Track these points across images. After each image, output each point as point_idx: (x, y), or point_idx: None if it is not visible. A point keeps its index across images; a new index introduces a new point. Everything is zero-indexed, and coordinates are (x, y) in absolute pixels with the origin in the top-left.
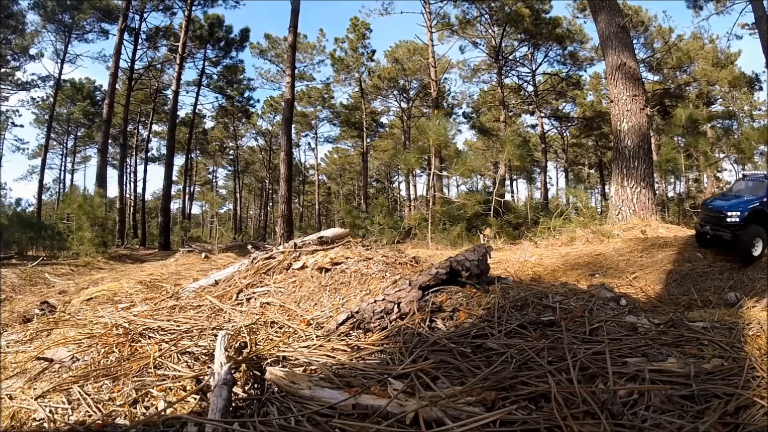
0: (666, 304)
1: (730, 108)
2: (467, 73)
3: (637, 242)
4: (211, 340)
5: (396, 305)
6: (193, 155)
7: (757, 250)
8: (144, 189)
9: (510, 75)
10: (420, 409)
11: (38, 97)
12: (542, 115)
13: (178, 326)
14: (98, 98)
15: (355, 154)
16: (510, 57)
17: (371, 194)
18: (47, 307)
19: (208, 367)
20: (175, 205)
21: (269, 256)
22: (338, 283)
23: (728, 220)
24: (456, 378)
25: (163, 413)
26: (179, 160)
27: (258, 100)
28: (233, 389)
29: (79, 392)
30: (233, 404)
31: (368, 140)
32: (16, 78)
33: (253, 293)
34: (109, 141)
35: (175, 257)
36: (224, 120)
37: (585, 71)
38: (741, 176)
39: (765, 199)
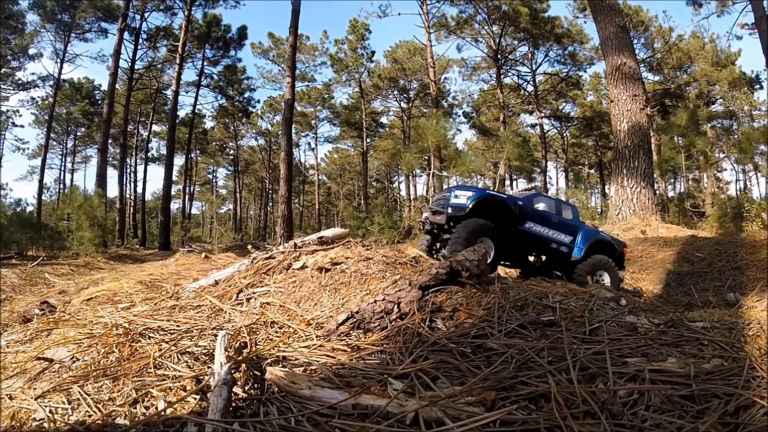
0: (666, 304)
1: (730, 108)
2: (467, 71)
3: (637, 242)
4: (211, 340)
5: (396, 305)
6: (193, 155)
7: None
8: (144, 189)
9: (510, 74)
10: (420, 409)
11: (38, 97)
12: (542, 115)
13: (178, 326)
14: (98, 98)
15: (355, 154)
16: (510, 56)
17: (371, 194)
18: (47, 307)
19: (208, 367)
20: (175, 205)
21: (269, 256)
22: (338, 283)
23: (452, 201)
24: (456, 378)
25: (163, 413)
26: (179, 160)
27: (258, 100)
28: (233, 389)
29: (79, 392)
30: (233, 404)
31: (368, 140)
32: (16, 78)
33: (253, 293)
34: (109, 141)
35: (175, 257)
36: (224, 120)
37: (585, 71)
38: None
39: (520, 202)
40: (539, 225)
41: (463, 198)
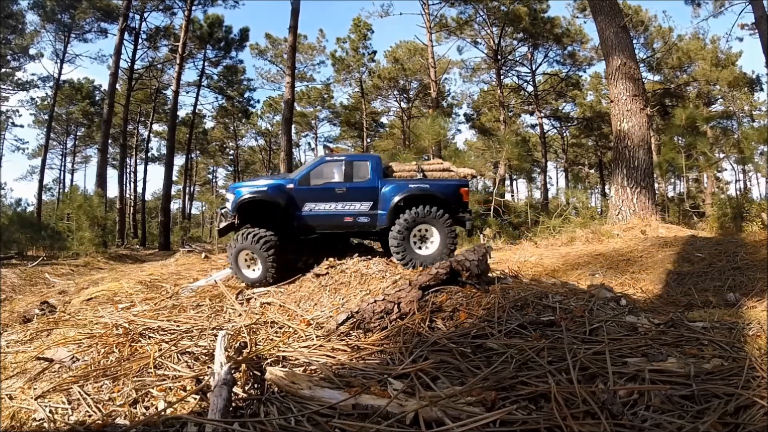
0: (666, 304)
1: (730, 108)
2: (467, 72)
3: (637, 242)
4: (211, 340)
5: (396, 305)
6: (193, 155)
7: (256, 271)
8: (144, 189)
9: (509, 75)
10: (420, 409)
11: (38, 97)
12: (542, 115)
13: (178, 326)
14: (97, 98)
15: None
16: (509, 57)
17: None
18: (47, 307)
19: (208, 367)
20: (175, 205)
21: None
22: (338, 283)
23: (226, 206)
24: (456, 378)
25: (163, 413)
26: (179, 160)
27: (258, 101)
28: (233, 389)
29: (79, 392)
30: (233, 404)
31: (368, 140)
32: (16, 78)
33: (253, 293)
34: (109, 141)
35: (175, 257)
36: (224, 120)
37: (585, 71)
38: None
39: (291, 185)
40: (322, 203)
41: (229, 204)
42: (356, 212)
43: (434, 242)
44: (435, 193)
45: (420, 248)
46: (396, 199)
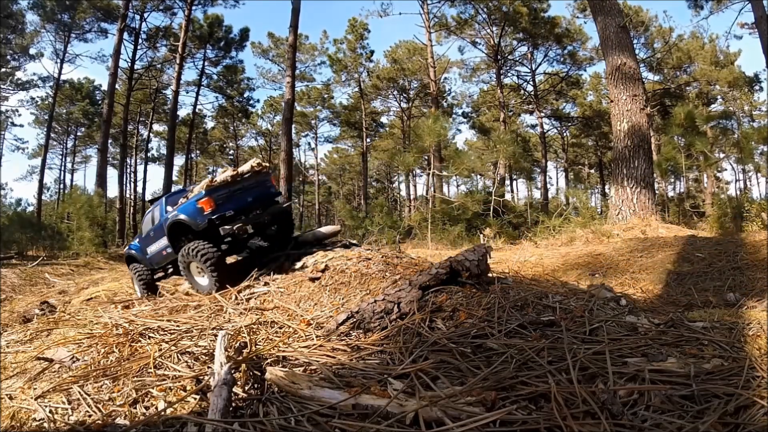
0: (666, 304)
1: (730, 108)
2: (467, 72)
3: (637, 242)
4: (211, 340)
5: (396, 305)
6: (193, 155)
7: (137, 289)
8: (144, 189)
9: (509, 75)
10: (420, 409)
11: (38, 97)
12: (542, 114)
13: (178, 326)
14: (97, 98)
15: (355, 154)
16: (509, 56)
17: (371, 194)
18: (47, 307)
19: (208, 367)
20: None
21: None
22: (338, 283)
23: None
24: (456, 378)
25: (163, 413)
26: (179, 160)
27: (258, 100)
28: (233, 389)
29: (79, 392)
30: (233, 404)
31: (368, 140)
32: (16, 78)
33: (253, 293)
34: (109, 141)
35: None
36: (224, 120)
37: (585, 71)
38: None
39: (138, 240)
40: (150, 245)
41: None
42: (164, 246)
43: (205, 279)
44: (179, 218)
45: (204, 276)
46: (168, 226)
